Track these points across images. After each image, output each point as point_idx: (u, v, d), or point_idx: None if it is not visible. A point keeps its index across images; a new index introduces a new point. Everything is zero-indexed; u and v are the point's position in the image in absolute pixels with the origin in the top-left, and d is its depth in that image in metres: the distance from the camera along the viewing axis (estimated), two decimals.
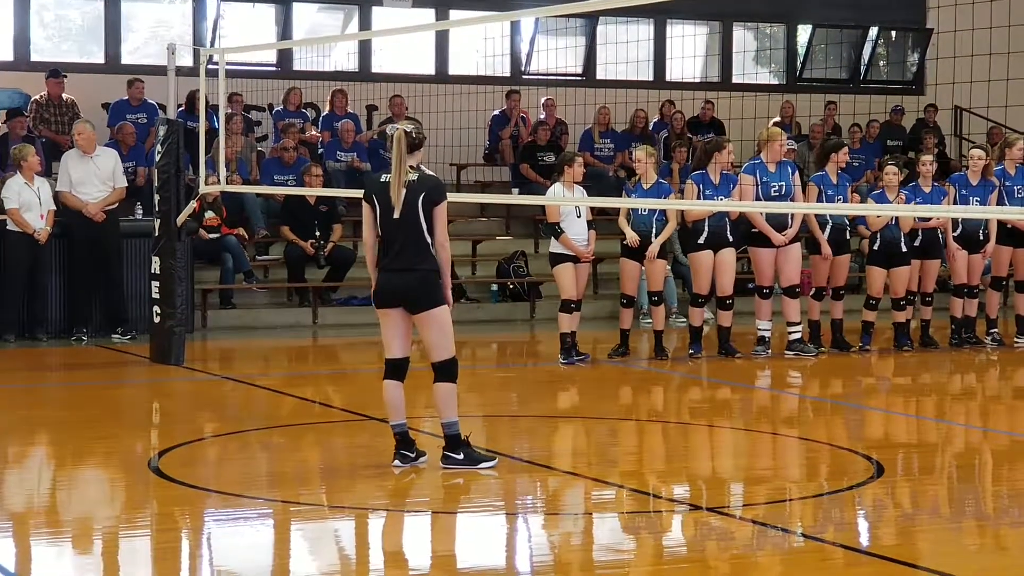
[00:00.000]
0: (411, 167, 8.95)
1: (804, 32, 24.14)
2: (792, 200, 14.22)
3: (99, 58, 20.16)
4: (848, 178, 15.08)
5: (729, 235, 14.39)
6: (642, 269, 14.29)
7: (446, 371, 9.05)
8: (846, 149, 14.97)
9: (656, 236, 14.05)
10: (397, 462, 9.17)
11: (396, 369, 9.17)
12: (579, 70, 22.47)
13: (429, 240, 8.94)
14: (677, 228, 14.71)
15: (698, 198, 14.08)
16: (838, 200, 14.51)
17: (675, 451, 10.30)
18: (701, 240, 14.30)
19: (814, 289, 15.04)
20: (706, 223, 14.24)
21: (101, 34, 20.19)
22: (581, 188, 14.10)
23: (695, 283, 14.63)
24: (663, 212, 14.00)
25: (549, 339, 15.30)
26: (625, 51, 21.84)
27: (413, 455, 9.19)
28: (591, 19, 21.92)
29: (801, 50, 24.12)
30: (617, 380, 13.48)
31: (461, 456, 9.10)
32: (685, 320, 15.73)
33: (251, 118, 19.80)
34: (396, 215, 8.91)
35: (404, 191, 8.88)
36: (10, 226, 15.47)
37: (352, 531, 8.03)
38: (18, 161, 15.54)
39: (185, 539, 7.76)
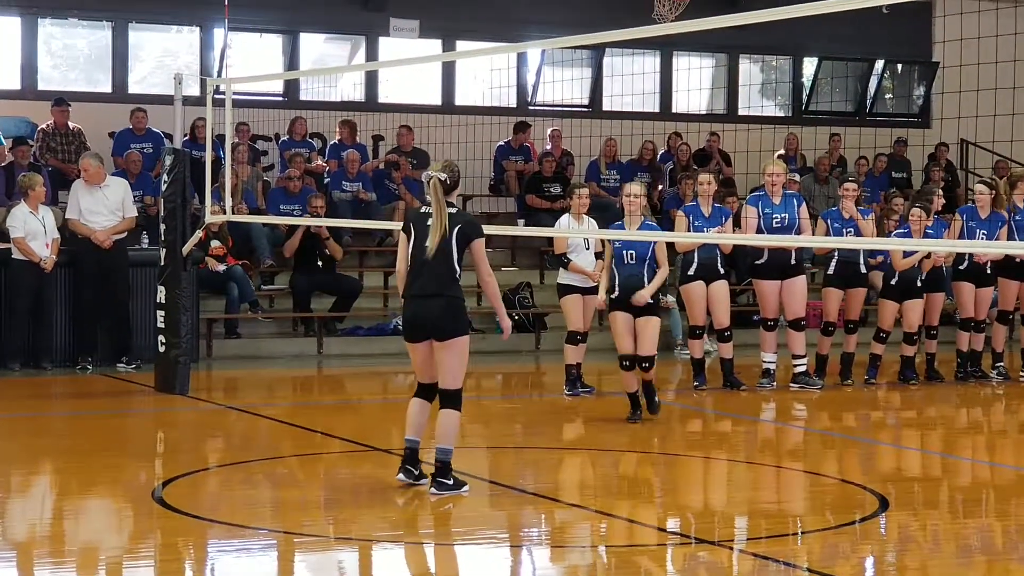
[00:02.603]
0: (450, 203, 9.31)
1: (810, 65, 24.21)
2: (798, 233, 14.21)
3: (106, 87, 20.23)
4: (868, 211, 15.06)
5: (720, 267, 14.37)
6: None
7: (454, 399, 9.25)
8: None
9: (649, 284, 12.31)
10: (401, 476, 9.35)
11: (425, 391, 9.46)
12: (585, 101, 22.53)
13: (457, 270, 9.26)
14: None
15: (688, 230, 14.07)
16: (847, 234, 14.50)
17: (679, 484, 10.27)
18: (691, 271, 14.29)
19: (823, 323, 15.04)
20: (695, 255, 14.22)
21: (108, 63, 20.25)
22: (591, 220, 14.07)
23: (689, 315, 14.62)
24: (654, 260, 12.28)
25: (554, 370, 15.28)
26: (631, 83, 21.90)
27: (416, 473, 9.39)
28: (597, 51, 21.98)
29: (807, 83, 24.19)
30: (622, 413, 13.44)
31: (452, 483, 9.26)
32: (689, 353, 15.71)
33: (257, 148, 19.83)
34: (427, 245, 9.18)
35: (440, 232, 9.18)
36: (15, 254, 15.48)
37: (356, 562, 8.00)
38: (25, 189, 15.56)
39: (189, 570, 7.74)
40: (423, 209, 9.39)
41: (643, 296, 12.16)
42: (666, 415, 13.15)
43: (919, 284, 14.93)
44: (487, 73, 21.90)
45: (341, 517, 8.88)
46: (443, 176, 9.26)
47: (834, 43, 23.38)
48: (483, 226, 9.62)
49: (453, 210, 9.31)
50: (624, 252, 12.24)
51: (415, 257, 9.29)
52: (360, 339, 17.77)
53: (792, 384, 14.68)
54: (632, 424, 12.32)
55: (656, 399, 12.61)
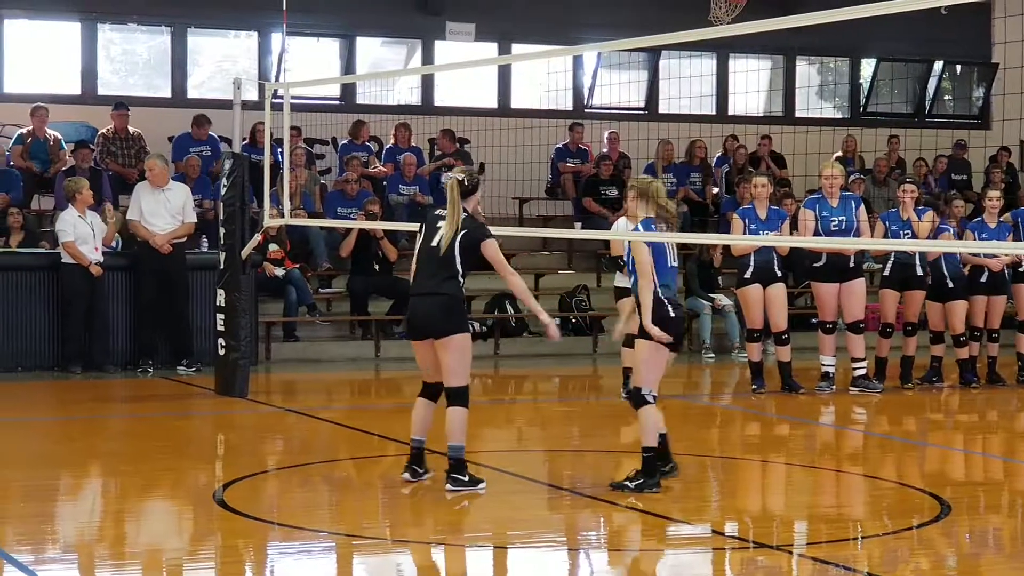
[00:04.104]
0: (464, 208, 9.43)
1: (868, 66, 24.07)
2: (856, 235, 14.11)
3: (165, 92, 20.36)
4: (925, 210, 14.94)
5: (777, 270, 14.29)
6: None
7: (459, 397, 9.39)
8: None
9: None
10: (407, 475, 9.61)
11: (429, 390, 9.62)
12: (642, 104, 22.48)
13: (458, 271, 9.35)
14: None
15: (744, 233, 14.03)
16: (904, 236, 14.40)
17: (738, 487, 10.24)
18: (748, 275, 14.23)
19: (881, 326, 14.95)
20: (751, 258, 14.17)
21: (167, 68, 20.39)
22: None
23: (746, 318, 14.57)
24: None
25: (611, 373, 15.25)
26: (688, 85, 21.83)
27: (421, 471, 9.64)
28: (654, 53, 21.93)
29: (865, 84, 24.05)
30: (679, 415, 13.41)
31: (467, 479, 9.40)
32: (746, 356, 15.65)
33: (312, 151, 19.90)
34: (433, 244, 9.38)
35: (452, 231, 9.34)
36: (65, 259, 15.59)
37: (414, 565, 8.02)
38: (71, 194, 15.67)
39: (249, 571, 7.78)
40: (438, 211, 9.56)
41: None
42: (725, 418, 13.09)
43: (950, 284, 14.81)
44: (543, 76, 21.91)
45: (399, 520, 8.91)
46: (459, 177, 9.47)
47: (892, 44, 23.23)
48: (539, 229, 9.69)
49: (464, 215, 9.44)
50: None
51: (419, 256, 9.50)
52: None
53: (851, 388, 14.59)
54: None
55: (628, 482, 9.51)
